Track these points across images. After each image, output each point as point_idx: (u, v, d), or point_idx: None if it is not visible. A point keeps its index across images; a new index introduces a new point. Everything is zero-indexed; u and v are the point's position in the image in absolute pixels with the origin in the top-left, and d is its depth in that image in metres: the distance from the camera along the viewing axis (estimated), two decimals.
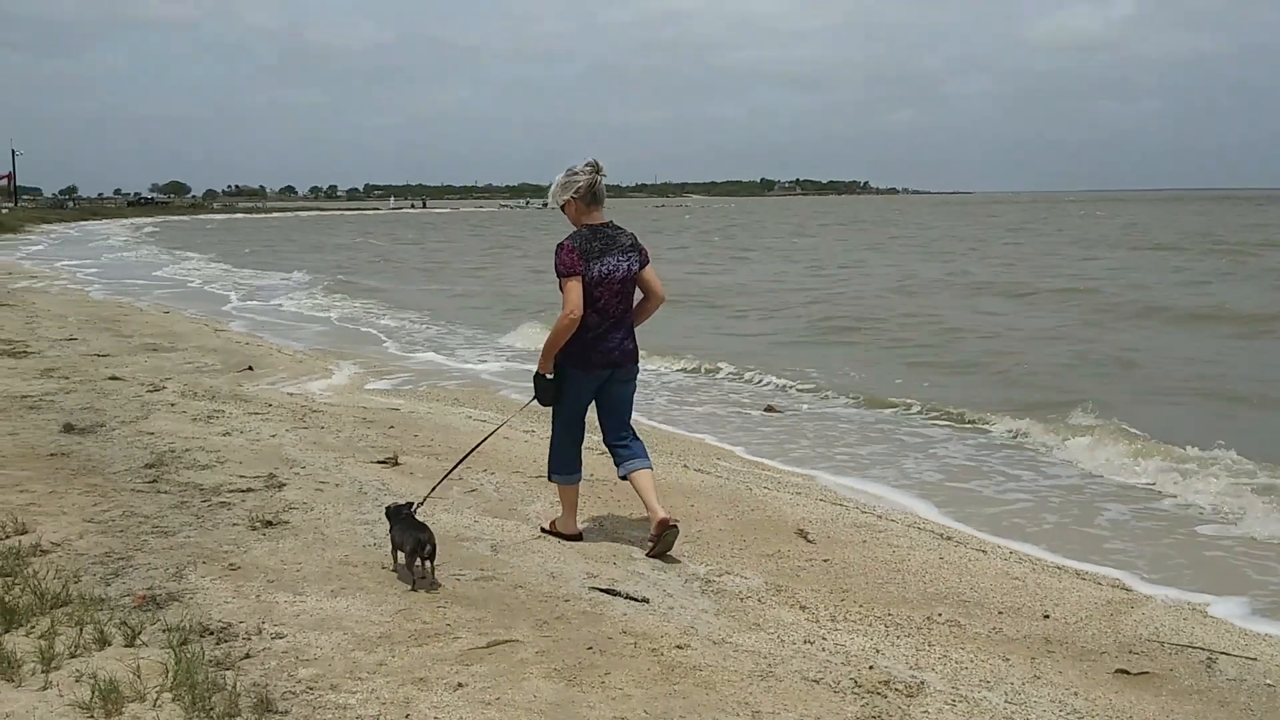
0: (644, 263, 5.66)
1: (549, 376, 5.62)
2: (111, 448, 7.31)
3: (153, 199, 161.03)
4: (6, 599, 4.23)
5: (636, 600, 4.92)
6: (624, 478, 5.80)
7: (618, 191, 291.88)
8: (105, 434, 7.74)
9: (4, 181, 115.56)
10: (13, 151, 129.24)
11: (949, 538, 6.63)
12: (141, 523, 5.56)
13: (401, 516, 5.02)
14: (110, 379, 10.39)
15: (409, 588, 4.78)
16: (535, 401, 5.79)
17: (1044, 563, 6.27)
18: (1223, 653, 4.84)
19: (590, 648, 4.23)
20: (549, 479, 5.93)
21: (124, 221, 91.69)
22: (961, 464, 8.87)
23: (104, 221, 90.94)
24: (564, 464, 5.83)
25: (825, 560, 5.83)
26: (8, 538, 5.14)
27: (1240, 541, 6.84)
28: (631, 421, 6.00)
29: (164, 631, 4.06)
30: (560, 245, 5.46)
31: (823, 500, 7.33)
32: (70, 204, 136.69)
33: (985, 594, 5.45)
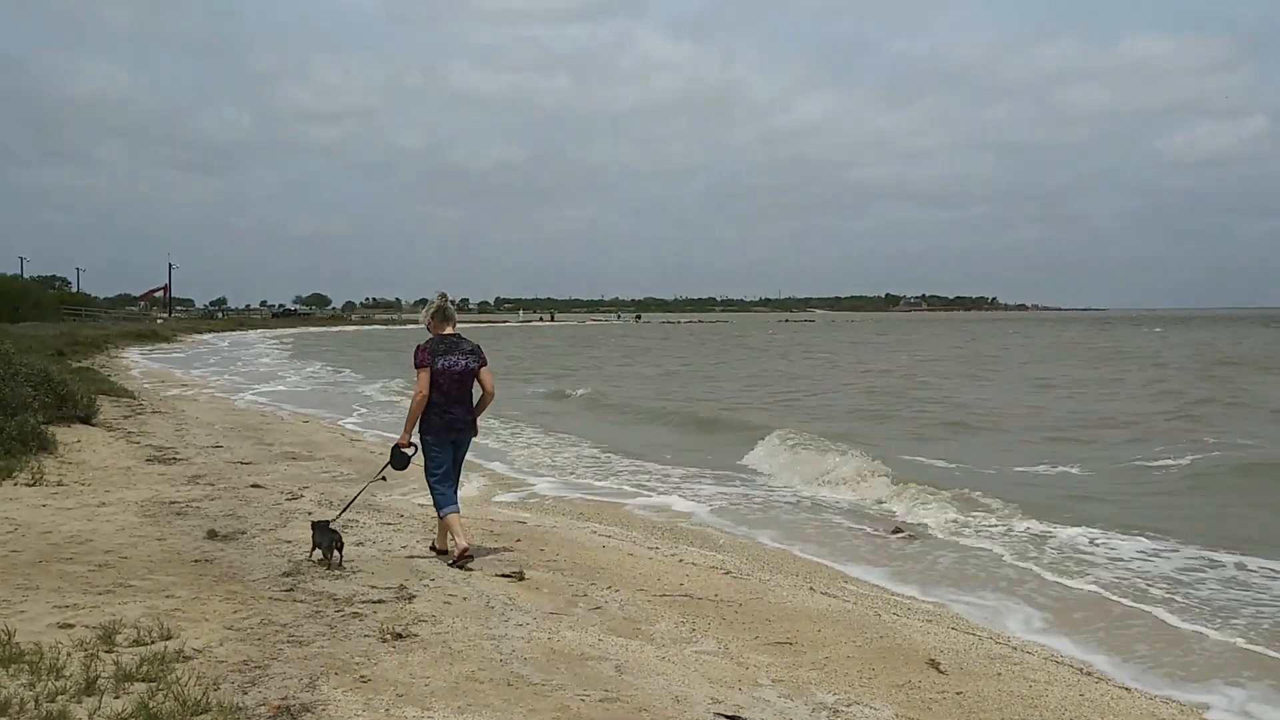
0: (482, 364, 7.88)
1: (404, 450, 7.79)
2: (252, 555, 7.56)
3: (295, 310, 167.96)
4: (151, 705, 4.38)
5: None
6: (442, 516, 7.82)
7: (740, 305, 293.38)
8: (246, 541, 8.00)
9: (160, 293, 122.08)
10: (169, 265, 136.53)
11: (1089, 673, 6.36)
12: (278, 631, 5.71)
13: (321, 526, 7.40)
14: (252, 486, 10.77)
15: (325, 569, 7.11)
16: (390, 466, 7.94)
17: (1190, 705, 5.96)
18: None
19: None
20: (438, 514, 7.87)
21: (269, 332, 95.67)
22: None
23: (249, 331, 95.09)
24: (443, 502, 7.80)
25: (958, 692, 5.65)
26: (153, 643, 5.33)
27: None
28: None
29: None
30: (418, 347, 7.82)
31: (954, 629, 7.12)
32: (220, 315, 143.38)
33: None
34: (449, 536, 7.77)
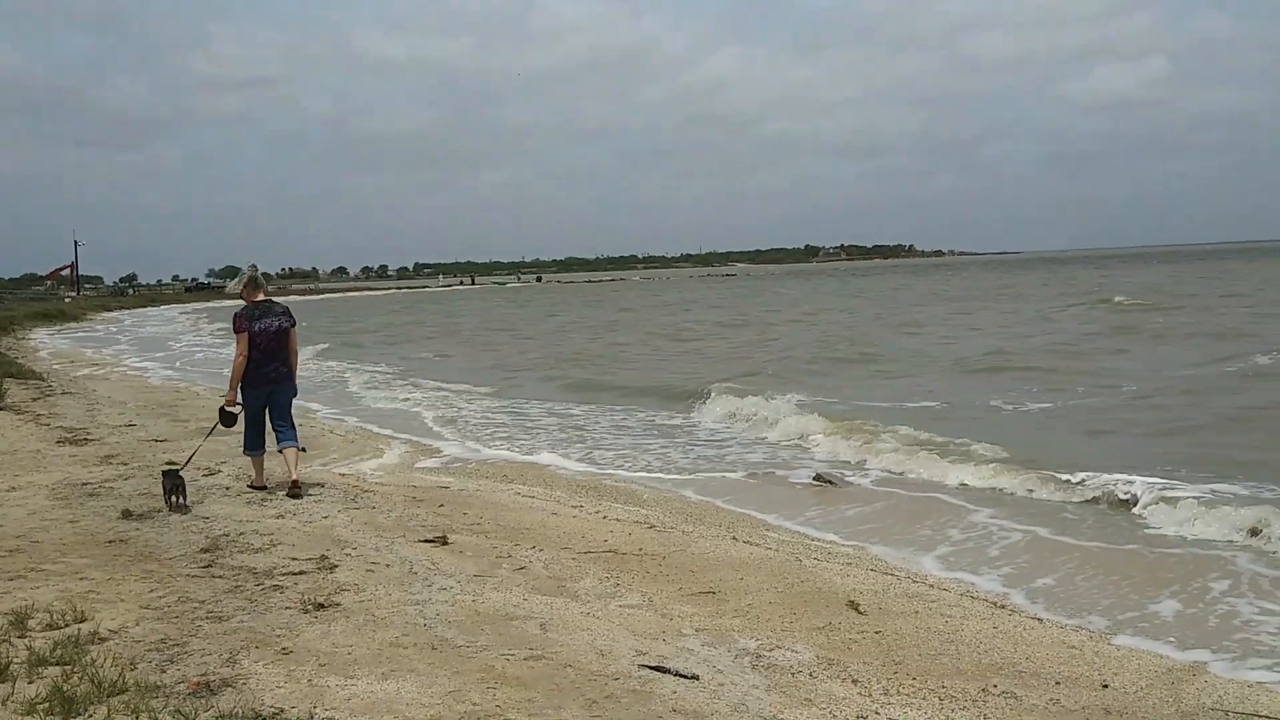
0: (292, 324, 9.14)
1: (230, 409, 8.93)
2: (168, 533, 7.43)
3: (208, 284, 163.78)
4: (65, 688, 4.30)
5: (686, 677, 4.89)
6: (280, 450, 9.06)
7: (663, 262, 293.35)
8: (162, 519, 7.87)
9: (67, 271, 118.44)
10: (75, 242, 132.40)
11: (1003, 606, 6.54)
12: (196, 608, 5.63)
13: (169, 473, 8.27)
14: (168, 464, 10.56)
15: (169, 511, 8.01)
16: (220, 425, 9.12)
17: (1101, 631, 6.16)
18: None
19: None
20: (243, 453, 9.19)
21: (183, 307, 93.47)
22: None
23: (161, 307, 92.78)
24: (252, 444, 9.11)
25: (877, 632, 5.77)
26: (67, 626, 5.23)
27: None
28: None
29: (217, 718, 4.10)
30: (235, 314, 8.99)
31: (874, 570, 7.26)
32: (130, 291, 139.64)
33: (1042, 664, 5.36)
34: (291, 468, 8.96)
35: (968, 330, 31.82)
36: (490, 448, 13.49)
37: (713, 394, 16.97)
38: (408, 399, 19.15)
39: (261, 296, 9.12)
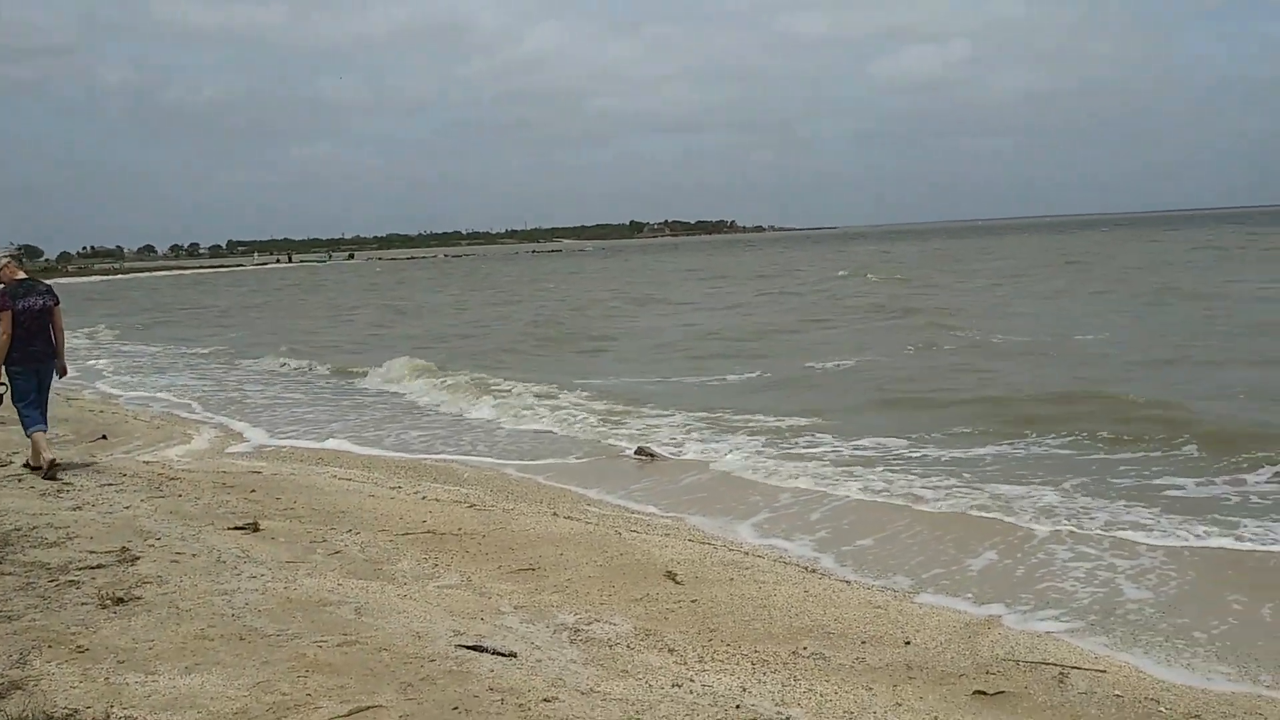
0: (55, 303, 9.18)
1: None
2: None
3: None
4: None
5: (503, 655, 4.88)
6: (30, 435, 8.94)
7: (487, 238, 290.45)
8: None
9: None
10: None
11: (813, 570, 6.75)
12: None
13: None
14: None
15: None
16: None
17: (905, 590, 6.43)
18: (1074, 667, 5.02)
19: (456, 708, 4.17)
20: (26, 433, 9.00)
21: None
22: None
23: None
24: (29, 423, 8.96)
25: (693, 601, 5.88)
26: None
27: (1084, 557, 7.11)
28: None
29: None
30: None
31: (691, 541, 7.39)
32: None
33: (849, 625, 5.56)
34: (40, 453, 8.81)
35: (703, 310, 33.05)
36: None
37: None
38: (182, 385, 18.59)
39: (22, 275, 9.08)
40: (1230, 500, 8.22)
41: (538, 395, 15.00)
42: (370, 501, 8.14)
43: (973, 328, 22.04)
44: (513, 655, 4.89)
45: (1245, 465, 9.10)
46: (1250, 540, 7.17)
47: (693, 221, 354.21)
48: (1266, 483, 8.57)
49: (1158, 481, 8.87)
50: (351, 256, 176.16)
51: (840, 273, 50.76)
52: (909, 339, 20.62)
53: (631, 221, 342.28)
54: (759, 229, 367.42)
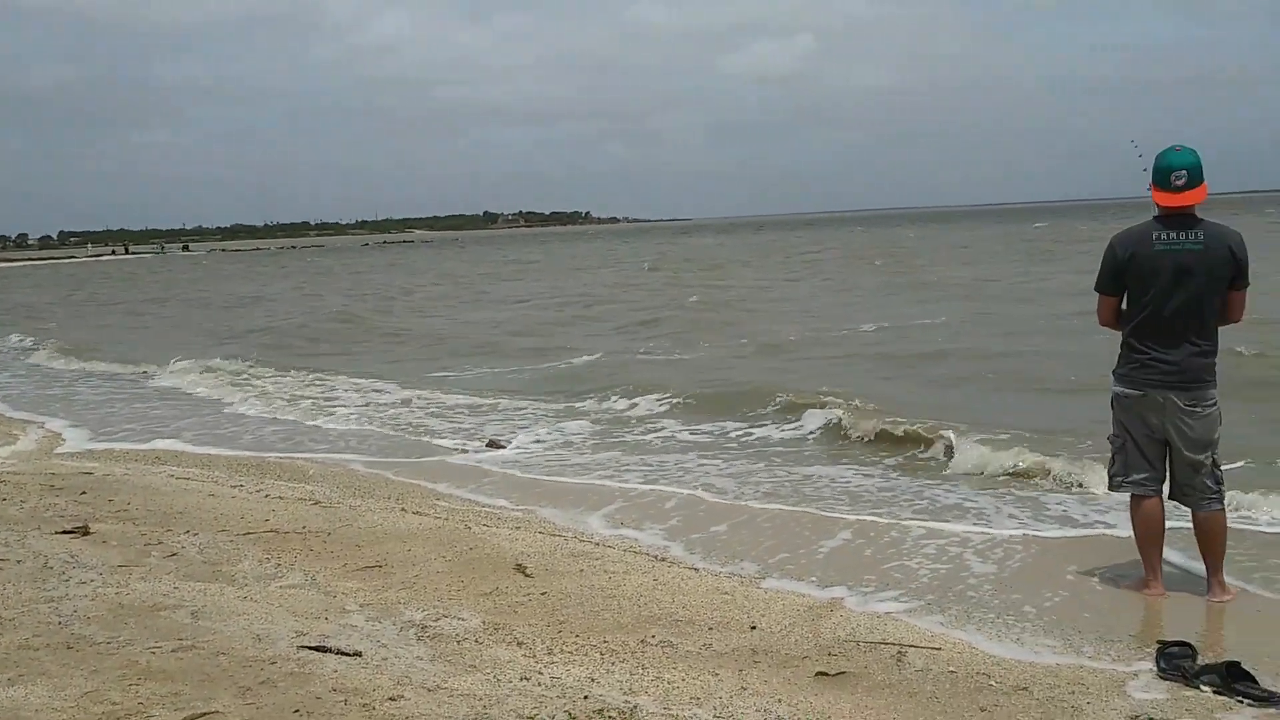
0: None
1: None
2: None
3: None
4: None
5: (348, 655, 4.79)
6: None
7: (337, 229, 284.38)
8: None
9: None
10: None
11: (663, 559, 6.82)
12: None
13: None
14: None
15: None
16: None
17: (752, 575, 6.55)
18: (911, 646, 5.19)
19: (297, 710, 4.08)
20: None
21: None
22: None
23: None
24: None
25: (543, 593, 5.87)
26: None
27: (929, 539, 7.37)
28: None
29: None
30: None
31: (542, 532, 7.38)
32: None
33: (696, 611, 5.63)
34: None
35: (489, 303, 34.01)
36: None
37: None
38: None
39: None
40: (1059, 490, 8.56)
41: (358, 390, 15.42)
42: (210, 501, 7.88)
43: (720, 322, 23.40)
44: (358, 654, 4.81)
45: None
46: (1081, 526, 7.50)
47: (547, 213, 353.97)
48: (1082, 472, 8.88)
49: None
50: (187, 248, 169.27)
51: (645, 265, 53.24)
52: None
53: (485, 212, 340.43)
54: (613, 220, 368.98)
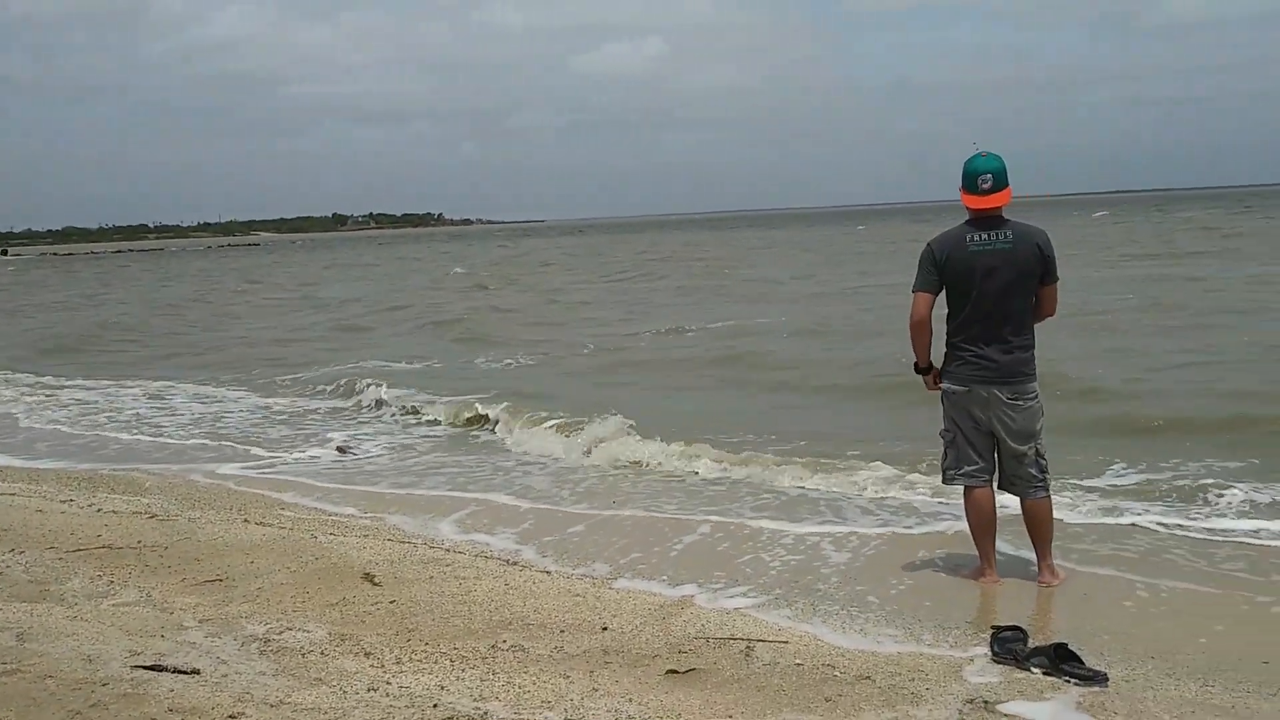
0: None
1: None
2: None
3: None
4: None
5: (185, 673, 4.62)
6: None
7: (178, 231, 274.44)
8: None
9: None
10: None
11: (515, 563, 6.79)
12: None
13: None
14: None
15: None
16: None
17: (604, 576, 6.57)
18: (760, 640, 5.28)
19: None
20: None
21: None
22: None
23: None
24: None
25: (392, 601, 5.77)
26: None
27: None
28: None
29: None
30: None
31: (391, 540, 7.27)
32: None
33: (548, 614, 5.61)
34: None
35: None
36: None
37: None
38: None
39: None
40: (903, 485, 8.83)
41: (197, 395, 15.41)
42: (38, 518, 7.50)
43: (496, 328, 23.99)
44: (196, 672, 4.64)
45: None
46: (928, 521, 7.73)
47: (399, 214, 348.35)
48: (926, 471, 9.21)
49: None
50: (4, 252, 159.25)
51: (456, 269, 53.57)
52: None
53: (335, 214, 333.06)
54: (467, 222, 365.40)
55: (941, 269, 5.97)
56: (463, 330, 23.73)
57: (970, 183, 5.92)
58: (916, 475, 8.58)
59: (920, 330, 6.12)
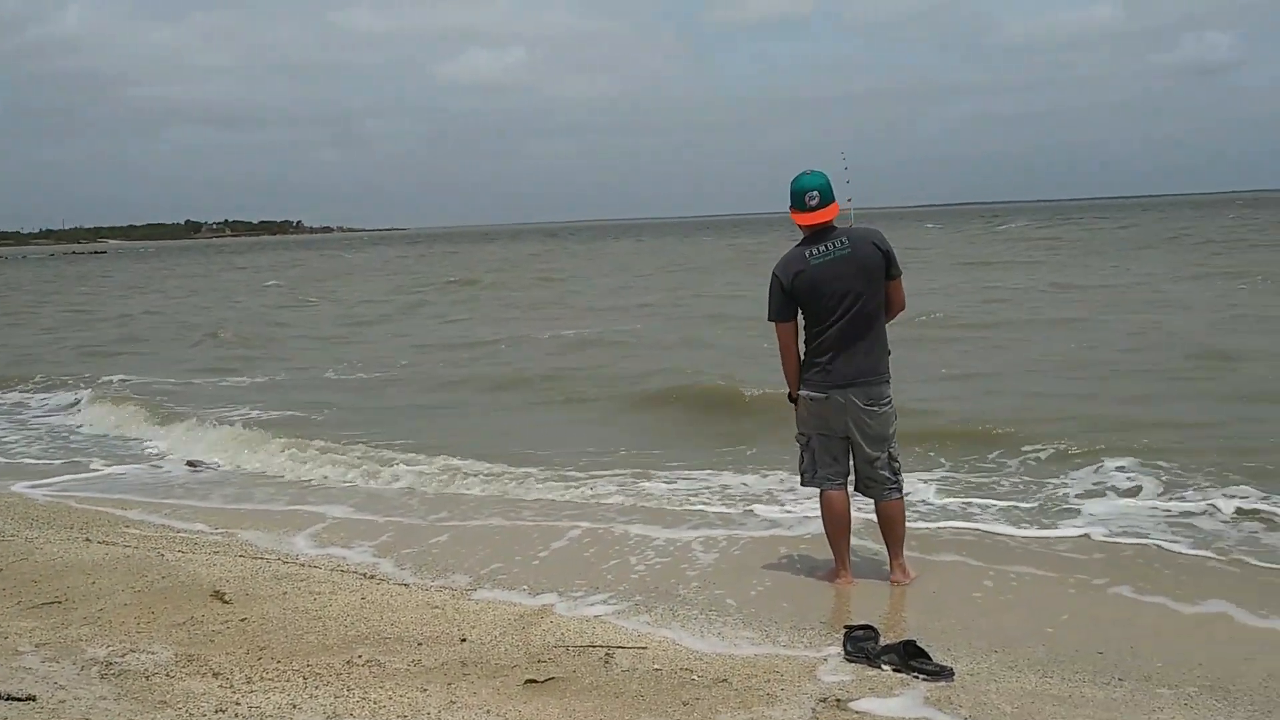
0: None
1: None
2: None
3: None
4: None
5: (20, 700, 4.41)
6: None
7: (17, 238, 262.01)
8: None
9: None
10: None
11: (372, 577, 6.67)
12: None
13: None
14: None
15: None
16: None
17: (463, 588, 6.51)
18: (618, 647, 5.30)
19: None
20: None
21: None
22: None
23: None
24: None
25: (243, 619, 5.61)
26: None
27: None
28: None
29: None
30: None
31: (243, 555, 7.06)
32: None
33: (406, 627, 5.53)
34: None
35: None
36: None
37: None
38: None
39: None
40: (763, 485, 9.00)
41: None
42: None
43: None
44: (31, 699, 4.44)
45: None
46: (787, 525, 7.85)
47: (256, 221, 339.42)
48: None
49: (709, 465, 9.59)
50: None
51: (270, 282, 53.27)
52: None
53: (188, 221, 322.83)
54: (326, 230, 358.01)
55: (791, 293, 6.07)
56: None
57: (798, 200, 6.06)
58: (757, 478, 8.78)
59: (788, 358, 6.23)
